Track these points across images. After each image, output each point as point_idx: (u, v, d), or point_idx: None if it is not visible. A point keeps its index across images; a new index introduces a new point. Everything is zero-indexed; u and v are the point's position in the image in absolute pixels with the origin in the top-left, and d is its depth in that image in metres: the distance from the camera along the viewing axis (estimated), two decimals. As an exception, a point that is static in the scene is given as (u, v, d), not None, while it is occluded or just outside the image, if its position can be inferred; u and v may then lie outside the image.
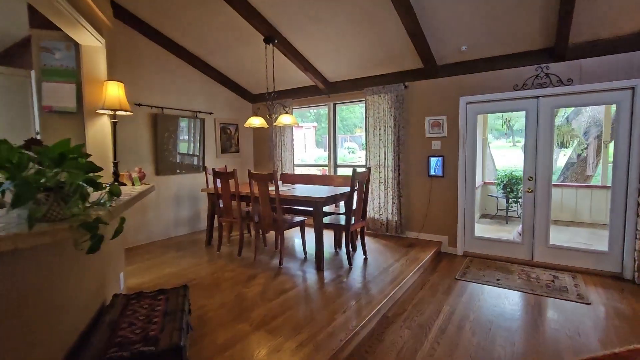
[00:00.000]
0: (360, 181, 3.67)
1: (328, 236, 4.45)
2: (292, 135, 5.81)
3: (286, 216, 4.15)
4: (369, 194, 4.98)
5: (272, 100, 4.16)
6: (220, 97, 5.76)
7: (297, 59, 4.58)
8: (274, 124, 4.08)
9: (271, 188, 3.59)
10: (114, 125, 4.38)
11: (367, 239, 4.70)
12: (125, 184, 2.68)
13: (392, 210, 4.76)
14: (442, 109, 4.40)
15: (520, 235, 4.15)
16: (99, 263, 2.09)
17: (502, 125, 11.57)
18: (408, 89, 4.62)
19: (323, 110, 5.70)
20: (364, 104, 4.95)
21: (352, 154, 13.65)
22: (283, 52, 4.43)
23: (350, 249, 3.85)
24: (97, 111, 2.83)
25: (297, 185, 4.60)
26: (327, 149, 5.57)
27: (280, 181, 5.85)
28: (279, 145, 5.93)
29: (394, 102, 4.63)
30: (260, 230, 4.35)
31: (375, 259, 3.88)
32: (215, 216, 4.36)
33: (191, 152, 5.31)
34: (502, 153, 11.96)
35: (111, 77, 3.03)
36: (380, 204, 4.87)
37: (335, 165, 5.60)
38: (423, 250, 4.17)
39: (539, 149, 3.85)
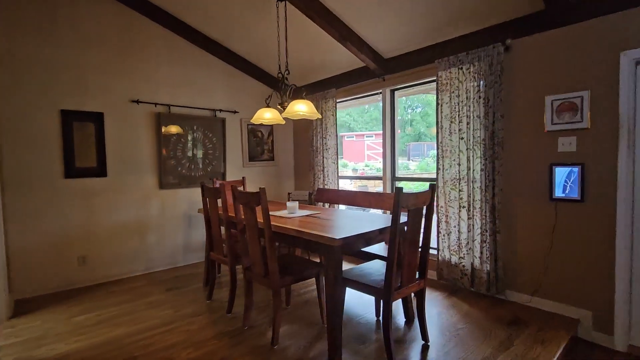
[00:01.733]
0: (414, 209, 2.02)
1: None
2: (336, 136, 4.34)
3: (297, 256, 2.68)
4: (442, 224, 3.18)
5: (283, 83, 2.80)
6: (248, 92, 4.64)
7: (330, 24, 3.12)
8: (282, 115, 2.67)
9: (278, 213, 2.17)
10: (98, 125, 3.58)
11: (433, 299, 2.92)
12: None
13: (482, 252, 2.89)
14: (580, 79, 2.43)
15: None
16: None
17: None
18: (511, 51, 2.76)
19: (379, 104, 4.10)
20: (435, 87, 3.22)
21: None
22: (305, 12, 3.02)
23: (392, 330, 2.19)
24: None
25: (327, 210, 3.11)
26: (383, 156, 3.94)
27: (299, 200, 4.41)
28: (321, 151, 4.51)
29: (486, 75, 2.82)
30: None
31: (445, 347, 2.14)
32: (213, 248, 3.14)
33: (207, 161, 4.26)
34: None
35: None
36: (461, 240, 3.04)
37: (394, 179, 3.92)
38: (542, 336, 2.24)
39: None
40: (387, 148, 3.90)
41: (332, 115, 4.30)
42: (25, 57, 3.08)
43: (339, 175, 4.43)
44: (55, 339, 2.35)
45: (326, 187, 4.42)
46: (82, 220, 3.40)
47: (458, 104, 3.02)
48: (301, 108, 2.59)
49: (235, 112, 4.48)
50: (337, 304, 1.98)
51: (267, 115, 3.02)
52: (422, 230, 2.12)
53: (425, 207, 2.11)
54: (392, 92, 3.85)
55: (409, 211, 1.97)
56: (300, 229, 2.13)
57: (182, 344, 2.25)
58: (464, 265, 3.03)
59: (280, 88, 2.85)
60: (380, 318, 2.58)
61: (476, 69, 2.88)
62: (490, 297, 2.92)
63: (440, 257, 3.21)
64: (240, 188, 4.21)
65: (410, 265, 2.04)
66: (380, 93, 3.90)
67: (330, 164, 4.39)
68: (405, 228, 2.06)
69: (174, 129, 3.94)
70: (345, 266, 3.01)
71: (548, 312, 2.61)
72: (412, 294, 2.60)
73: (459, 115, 3.02)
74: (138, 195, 3.74)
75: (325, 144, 4.41)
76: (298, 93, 4.29)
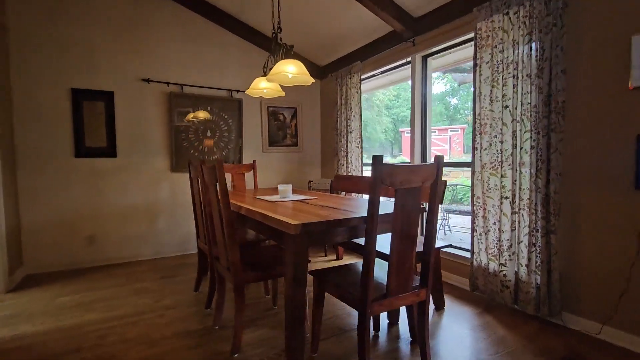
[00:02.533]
0: (406, 188, 1.44)
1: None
2: (361, 117, 3.78)
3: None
4: (478, 220, 2.48)
5: (276, 42, 2.35)
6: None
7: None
8: (267, 78, 2.23)
9: (267, 197, 1.77)
10: (108, 104, 3.52)
11: (460, 315, 2.26)
12: None
13: (530, 259, 2.15)
14: (693, 2, 1.59)
15: None
16: None
17: None
18: (578, -20, 1.98)
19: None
20: (473, 45, 2.50)
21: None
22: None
23: (382, 352, 1.63)
24: None
25: (331, 196, 2.62)
26: (411, 139, 3.28)
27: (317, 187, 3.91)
28: (344, 134, 4.00)
29: (541, 16, 2.06)
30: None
31: (455, 390, 1.52)
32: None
33: (222, 144, 4.02)
34: None
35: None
36: (502, 242, 2.32)
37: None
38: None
39: None
40: (417, 127, 3.24)
41: (357, 92, 3.76)
42: (37, 35, 3.10)
43: (363, 162, 3.87)
44: (26, 318, 2.24)
45: (350, 174, 3.90)
46: (91, 200, 3.38)
47: (502, 61, 2.29)
48: (289, 69, 2.13)
49: (253, 92, 4.17)
50: (296, 310, 1.50)
51: (262, 85, 2.61)
52: (423, 220, 1.53)
53: (429, 187, 1.52)
54: (424, 59, 3.18)
55: (398, 191, 1.40)
56: (265, 212, 1.68)
57: (139, 339, 1.97)
58: (505, 275, 2.30)
59: (272, 49, 2.42)
60: (379, 332, 2.02)
61: (527, 10, 2.13)
62: (539, 319, 2.17)
63: (474, 262, 2.51)
64: (249, 173, 3.90)
65: (401, 268, 1.47)
66: (409, 63, 3.25)
67: (354, 149, 3.86)
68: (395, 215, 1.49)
69: (187, 109, 3.76)
70: (344, 262, 2.47)
71: (626, 350, 1.80)
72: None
73: (502, 77, 2.29)
74: (148, 177, 3.63)
75: (349, 125, 3.89)
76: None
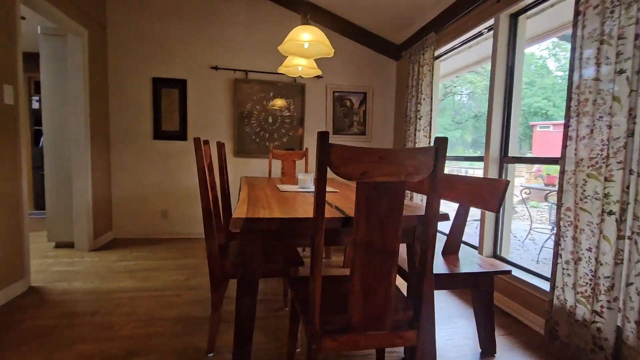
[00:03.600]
0: (380, 183, 0.99)
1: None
2: (431, 100, 3.15)
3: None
4: (565, 241, 1.73)
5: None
6: (338, 54, 3.99)
7: None
8: (279, 48, 1.93)
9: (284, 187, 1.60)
10: (182, 91, 3.77)
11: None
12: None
13: (641, 314, 1.35)
14: None
15: None
16: None
17: None
18: None
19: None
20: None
21: None
22: None
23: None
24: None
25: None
26: (487, 124, 2.53)
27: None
28: (413, 121, 3.42)
29: None
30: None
31: None
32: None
33: (284, 131, 3.94)
34: None
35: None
36: (600, 277, 1.53)
37: (504, 159, 2.46)
38: None
39: None
40: (496, 112, 2.48)
41: (429, 70, 3.14)
42: (125, 30, 3.54)
43: (432, 153, 3.23)
44: (84, 276, 2.57)
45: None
46: (165, 179, 3.74)
47: (617, 6, 1.48)
48: (303, 37, 1.82)
49: (319, 77, 3.96)
50: (240, 324, 1.22)
51: (295, 62, 2.37)
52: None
53: (429, 183, 1.03)
54: (513, 19, 2.39)
55: (360, 186, 0.98)
56: (241, 201, 1.45)
57: (142, 315, 2.01)
58: (599, 329, 1.53)
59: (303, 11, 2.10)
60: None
61: None
62: (654, 413, 1.35)
63: (555, 300, 1.76)
64: (301, 161, 3.72)
65: (371, 295, 1.04)
66: (492, 28, 2.49)
67: (422, 138, 3.26)
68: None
69: (250, 96, 3.80)
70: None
71: None
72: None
73: (618, 26, 1.48)
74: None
75: (418, 111, 3.30)
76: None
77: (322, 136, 0.92)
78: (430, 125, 3.17)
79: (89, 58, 3.14)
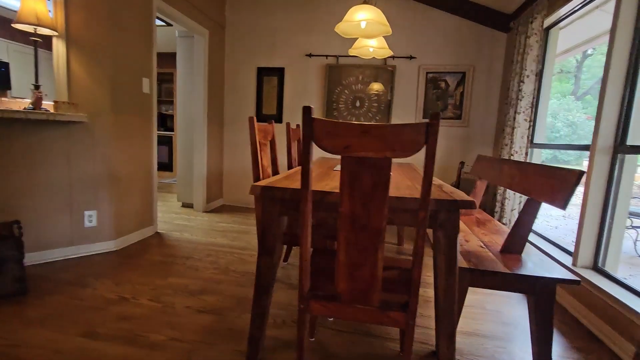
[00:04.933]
0: (354, 160, 1.00)
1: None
2: (535, 78, 2.65)
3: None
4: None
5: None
6: (433, 31, 3.70)
7: None
8: (335, 28, 1.94)
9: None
10: (280, 79, 4.13)
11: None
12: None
13: None
14: None
15: None
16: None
17: None
18: None
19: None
20: None
21: None
22: None
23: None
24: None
25: (410, 170, 2.14)
26: (598, 106, 1.99)
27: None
28: (514, 103, 2.96)
29: None
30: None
31: None
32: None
33: (370, 115, 3.93)
34: None
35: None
36: None
37: (619, 149, 1.92)
38: None
39: None
40: (614, 79, 1.94)
41: (537, 41, 2.66)
42: (241, 28, 4.09)
43: (532, 140, 2.75)
44: (192, 230, 3.23)
45: (511, 157, 2.91)
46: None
47: None
48: (359, 16, 1.83)
49: (411, 57, 3.77)
50: (260, 278, 1.40)
51: (371, 43, 2.37)
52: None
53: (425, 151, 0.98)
54: (653, -36, 1.80)
55: (344, 159, 1.00)
56: (287, 175, 1.62)
57: (221, 264, 2.43)
58: None
59: None
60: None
61: None
62: None
63: (652, 330, 1.36)
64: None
65: (355, 270, 1.06)
66: (625, -25, 1.92)
67: (521, 122, 2.81)
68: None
69: (340, 80, 3.92)
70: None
71: None
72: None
73: None
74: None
75: (520, 90, 2.84)
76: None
77: (306, 110, 0.98)
78: (533, 107, 2.70)
79: (209, 54, 3.79)
